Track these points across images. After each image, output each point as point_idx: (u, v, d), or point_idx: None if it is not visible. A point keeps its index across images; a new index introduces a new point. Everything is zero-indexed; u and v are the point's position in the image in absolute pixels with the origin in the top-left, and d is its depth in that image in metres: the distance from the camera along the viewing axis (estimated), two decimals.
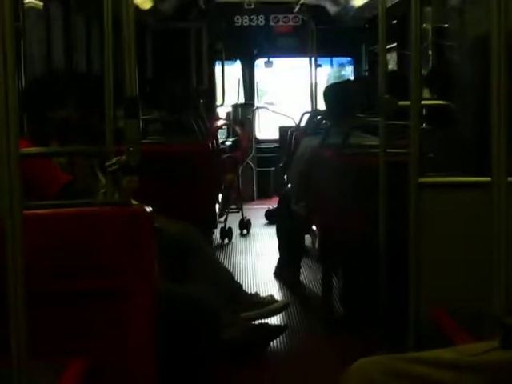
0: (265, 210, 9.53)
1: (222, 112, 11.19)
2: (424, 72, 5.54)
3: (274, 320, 5.29)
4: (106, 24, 3.10)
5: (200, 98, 8.59)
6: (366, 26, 10.24)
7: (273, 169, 10.69)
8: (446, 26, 6.66)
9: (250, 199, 10.83)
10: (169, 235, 4.49)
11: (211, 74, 11.06)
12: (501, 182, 2.41)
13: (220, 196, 7.80)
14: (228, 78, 11.41)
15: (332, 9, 10.27)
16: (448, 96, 4.85)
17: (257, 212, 9.71)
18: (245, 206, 9.12)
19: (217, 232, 8.19)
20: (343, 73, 11.99)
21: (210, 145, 6.40)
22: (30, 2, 5.45)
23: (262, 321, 5.06)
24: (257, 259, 7.61)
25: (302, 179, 5.70)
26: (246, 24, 11.37)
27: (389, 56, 8.57)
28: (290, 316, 5.56)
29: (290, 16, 11.30)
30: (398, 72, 8.07)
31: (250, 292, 5.30)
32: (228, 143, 9.50)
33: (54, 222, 2.92)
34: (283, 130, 9.63)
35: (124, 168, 2.88)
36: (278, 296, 5.82)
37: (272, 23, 11.42)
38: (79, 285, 2.87)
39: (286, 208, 6.31)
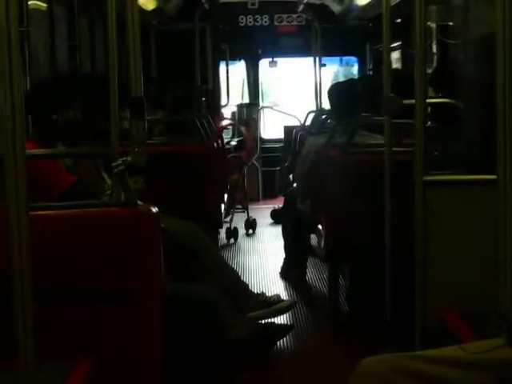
0: (270, 210, 9.53)
1: (227, 112, 11.21)
2: (428, 70, 5.53)
3: (280, 319, 5.29)
4: (110, 25, 3.10)
5: (205, 98, 8.59)
6: (370, 24, 10.23)
7: (278, 168, 10.69)
8: (451, 24, 6.66)
9: (256, 199, 10.83)
10: (175, 235, 4.50)
11: (216, 74, 11.07)
12: (506, 180, 2.41)
13: (225, 196, 7.80)
14: (232, 77, 11.41)
15: (336, 8, 10.26)
16: (452, 94, 4.84)
17: (262, 212, 9.71)
18: (250, 206, 9.12)
19: (222, 232, 8.20)
20: (352, 71, 11.96)
21: (215, 145, 6.40)
22: (33, 4, 5.46)
23: (269, 320, 5.06)
24: (263, 259, 7.61)
25: (308, 179, 5.70)
26: (250, 24, 11.37)
27: (393, 54, 8.56)
28: (296, 315, 5.56)
29: (294, 16, 11.30)
30: (401, 71, 8.05)
31: (256, 292, 5.30)
32: (233, 143, 9.51)
33: (61, 223, 2.92)
34: (288, 130, 9.62)
35: (130, 169, 2.89)
36: (284, 296, 5.82)
37: (276, 23, 11.42)
38: (86, 285, 2.87)
39: (292, 207, 6.31)
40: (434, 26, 7.03)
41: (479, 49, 4.05)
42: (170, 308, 3.02)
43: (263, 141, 11.34)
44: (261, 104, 11.61)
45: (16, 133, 2.08)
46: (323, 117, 7.25)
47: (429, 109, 4.60)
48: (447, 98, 4.87)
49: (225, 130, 9.21)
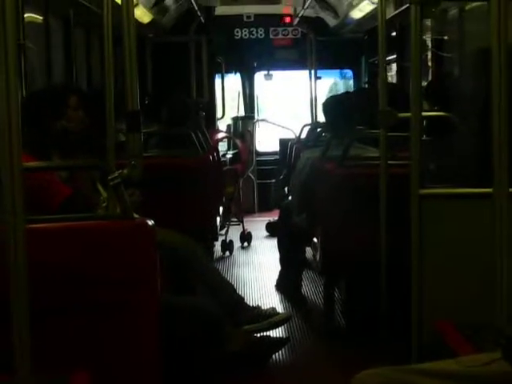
0: (265, 223, 9.52)
1: (223, 125, 11.22)
2: (423, 84, 5.54)
3: (276, 333, 5.28)
4: (106, 38, 3.11)
5: (200, 111, 8.60)
6: (366, 37, 10.27)
7: (273, 181, 10.70)
8: (446, 38, 6.68)
9: (251, 212, 10.82)
10: (170, 248, 4.49)
11: (211, 86, 11.08)
12: (502, 193, 2.41)
13: (221, 209, 7.80)
14: (228, 90, 11.43)
15: (331, 21, 10.30)
16: (447, 108, 4.86)
17: (257, 224, 9.70)
18: (245, 219, 9.12)
19: (218, 244, 8.18)
20: (350, 84, 11.96)
21: (211, 157, 6.41)
22: (29, 17, 5.47)
23: (264, 333, 5.06)
24: (258, 272, 7.60)
25: (303, 191, 5.70)
26: (245, 37, 11.40)
27: (388, 68, 8.58)
28: (291, 329, 5.55)
29: (290, 29, 11.33)
30: (395, 85, 8.06)
31: (251, 305, 5.29)
32: (228, 156, 9.52)
33: (57, 236, 2.92)
34: (283, 143, 9.63)
35: (126, 181, 2.89)
36: (279, 309, 5.81)
37: (271, 36, 11.45)
38: (82, 298, 2.87)
39: (287, 220, 6.31)
40: (429, 39, 7.05)
41: (474, 62, 4.07)
42: (166, 320, 3.02)
43: (258, 154, 11.34)
44: (256, 117, 11.62)
45: (13, 146, 2.08)
46: (318, 130, 7.26)
47: (424, 122, 4.61)
48: (442, 111, 4.88)
49: (220, 143, 9.21)
